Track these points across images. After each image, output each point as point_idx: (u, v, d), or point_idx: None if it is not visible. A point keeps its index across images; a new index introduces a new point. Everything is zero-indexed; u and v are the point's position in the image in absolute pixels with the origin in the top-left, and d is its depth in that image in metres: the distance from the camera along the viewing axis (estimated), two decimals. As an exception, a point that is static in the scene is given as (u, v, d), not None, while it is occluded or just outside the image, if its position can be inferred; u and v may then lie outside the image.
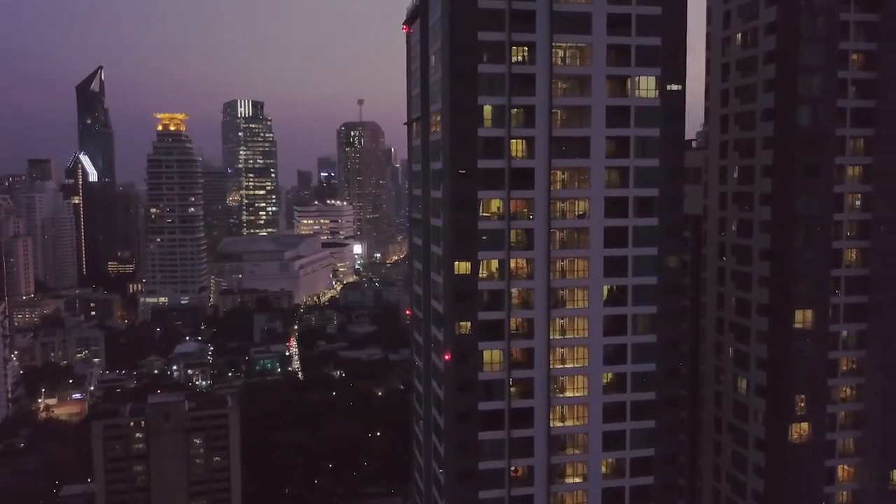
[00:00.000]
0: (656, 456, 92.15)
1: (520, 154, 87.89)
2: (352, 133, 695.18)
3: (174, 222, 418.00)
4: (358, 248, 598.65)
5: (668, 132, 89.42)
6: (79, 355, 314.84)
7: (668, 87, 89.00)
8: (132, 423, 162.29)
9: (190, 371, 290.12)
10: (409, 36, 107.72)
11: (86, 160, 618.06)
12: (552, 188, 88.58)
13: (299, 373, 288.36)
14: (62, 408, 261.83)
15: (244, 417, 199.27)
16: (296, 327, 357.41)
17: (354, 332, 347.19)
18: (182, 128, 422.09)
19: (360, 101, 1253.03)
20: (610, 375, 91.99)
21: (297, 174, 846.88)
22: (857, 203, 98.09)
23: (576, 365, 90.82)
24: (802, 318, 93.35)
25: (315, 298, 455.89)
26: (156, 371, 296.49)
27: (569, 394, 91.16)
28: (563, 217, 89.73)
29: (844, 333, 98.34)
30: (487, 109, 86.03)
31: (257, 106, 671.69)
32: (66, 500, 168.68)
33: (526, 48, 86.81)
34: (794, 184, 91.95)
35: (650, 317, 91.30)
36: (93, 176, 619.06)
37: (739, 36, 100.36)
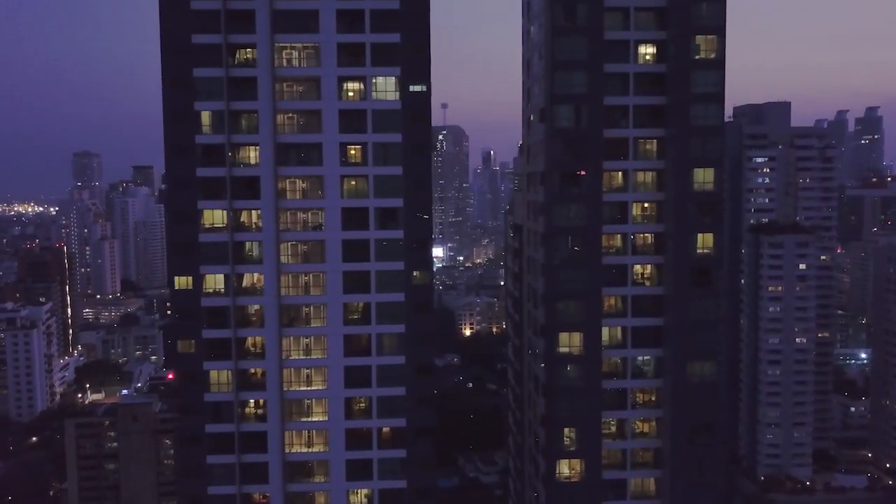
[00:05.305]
0: (408, 488, 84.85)
1: (249, 161, 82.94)
2: (437, 137, 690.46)
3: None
4: (439, 251, 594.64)
5: (412, 137, 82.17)
6: (137, 353, 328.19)
7: (411, 88, 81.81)
8: (106, 423, 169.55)
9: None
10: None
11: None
12: (289, 198, 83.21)
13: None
14: (102, 403, 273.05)
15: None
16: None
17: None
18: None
19: (444, 105, 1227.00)
20: (363, 401, 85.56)
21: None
22: (654, 213, 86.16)
23: (313, 387, 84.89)
24: (569, 341, 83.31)
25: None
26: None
27: (309, 418, 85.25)
28: (304, 229, 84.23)
29: (640, 360, 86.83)
30: (206, 115, 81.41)
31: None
32: (64, 493, 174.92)
33: (251, 50, 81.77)
34: (554, 192, 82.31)
35: (398, 337, 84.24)
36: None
37: (532, 29, 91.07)
